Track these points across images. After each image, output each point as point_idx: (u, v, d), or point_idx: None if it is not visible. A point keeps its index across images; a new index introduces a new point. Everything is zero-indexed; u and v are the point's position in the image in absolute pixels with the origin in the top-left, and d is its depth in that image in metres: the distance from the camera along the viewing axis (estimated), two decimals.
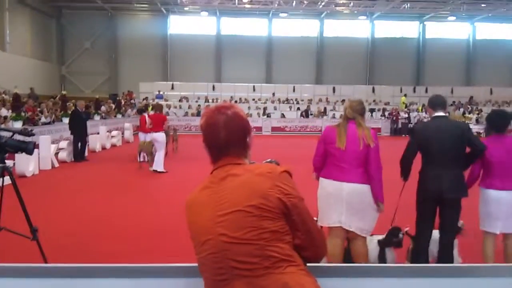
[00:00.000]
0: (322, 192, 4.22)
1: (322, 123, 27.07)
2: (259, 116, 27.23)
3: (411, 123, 25.28)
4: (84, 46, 33.52)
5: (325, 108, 28.98)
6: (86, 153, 13.96)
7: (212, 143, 1.83)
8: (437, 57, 34.07)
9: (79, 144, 13.40)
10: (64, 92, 20.12)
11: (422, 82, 34.00)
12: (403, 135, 24.32)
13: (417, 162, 4.39)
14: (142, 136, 13.12)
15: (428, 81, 33.71)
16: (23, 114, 14.13)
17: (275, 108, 28.91)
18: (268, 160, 3.71)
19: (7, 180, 3.89)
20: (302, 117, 27.90)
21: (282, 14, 33.09)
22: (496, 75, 33.77)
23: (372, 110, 27.55)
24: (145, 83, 30.84)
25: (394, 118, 26.70)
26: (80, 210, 7.44)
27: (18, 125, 12.76)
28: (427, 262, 4.33)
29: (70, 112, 15.04)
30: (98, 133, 16.58)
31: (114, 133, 18.24)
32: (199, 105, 28.21)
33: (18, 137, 4.08)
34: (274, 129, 26.62)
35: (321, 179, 4.26)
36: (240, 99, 29.99)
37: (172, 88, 31.18)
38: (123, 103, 26.13)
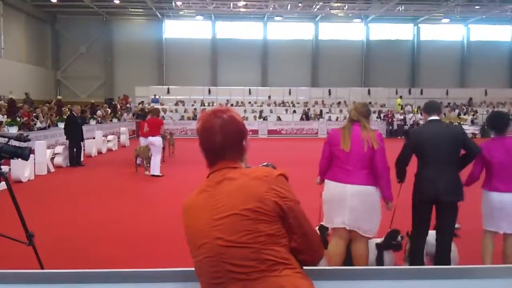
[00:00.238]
0: (327, 194, 4.24)
1: (318, 126, 27.15)
2: (255, 119, 27.25)
3: (407, 125, 25.36)
4: (79, 51, 33.46)
5: (321, 111, 29.03)
6: (82, 158, 13.92)
7: (208, 147, 1.83)
8: (431, 59, 34.22)
9: (75, 149, 13.35)
10: (59, 97, 19.98)
11: (417, 84, 34.14)
12: (399, 137, 24.39)
13: (413, 165, 4.41)
14: (142, 140, 12.96)
15: (423, 83, 33.86)
16: (18, 119, 14.06)
17: (271, 111, 28.93)
18: (265, 163, 3.72)
19: (3, 185, 3.88)
20: (302, 120, 27.95)
21: (277, 18, 33.15)
22: (491, 76, 33.95)
23: None
24: (141, 87, 30.81)
25: (390, 120, 26.78)
26: (77, 215, 7.42)
27: (13, 130, 12.70)
28: (423, 263, 4.33)
29: (65, 117, 14.99)
30: (94, 138, 16.54)
31: (110, 137, 18.21)
32: (195, 109, 28.19)
33: (13, 142, 4.06)
34: (270, 132, 26.65)
35: (326, 181, 4.28)
36: (236, 102, 30.00)
37: (168, 92, 31.17)
38: (118, 107, 26.08)
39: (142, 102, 28.73)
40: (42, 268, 3.85)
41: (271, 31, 34.44)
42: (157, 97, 29.98)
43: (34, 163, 11.26)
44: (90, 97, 30.70)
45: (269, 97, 31.00)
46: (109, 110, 23.80)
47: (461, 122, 26.78)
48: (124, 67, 33.57)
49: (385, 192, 4.11)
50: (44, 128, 14.93)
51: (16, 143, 4.13)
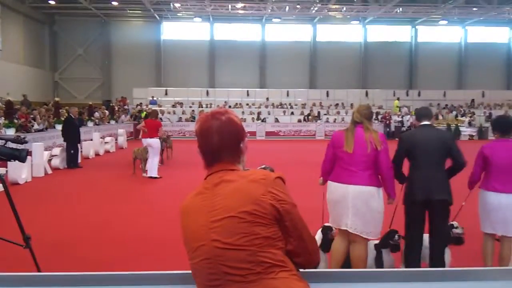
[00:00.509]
0: (330, 196, 4.31)
1: (316, 128, 27.17)
2: (253, 121, 27.25)
3: (404, 127, 25.39)
4: (77, 52, 33.45)
5: (318, 112, 29.06)
6: (79, 160, 13.90)
7: (205, 148, 1.84)
8: (429, 61, 34.31)
9: (72, 150, 13.33)
10: (57, 99, 20.00)
11: (415, 86, 34.21)
12: (396, 139, 24.42)
13: (406, 166, 4.46)
14: (145, 142, 12.82)
15: (421, 85, 33.95)
16: (16, 121, 14.06)
17: (269, 113, 28.95)
18: (263, 166, 3.73)
19: (0, 187, 3.86)
20: (305, 121, 27.98)
21: (275, 20, 33.17)
22: (488, 78, 34.06)
23: None
24: (139, 89, 30.79)
25: (388, 122, 26.80)
26: (74, 217, 7.40)
27: (10, 132, 12.69)
28: (419, 265, 4.34)
29: (63, 118, 14.98)
30: (91, 140, 16.52)
31: (107, 139, 18.18)
32: (193, 111, 28.19)
33: (10, 144, 4.05)
34: (268, 133, 26.66)
35: (329, 182, 4.33)
36: (234, 104, 30.01)
37: (166, 93, 31.16)
38: (116, 109, 26.07)
39: (141, 103, 28.70)
40: (39, 270, 3.84)
41: (269, 33, 34.48)
42: (155, 98, 29.97)
43: (32, 165, 11.24)
44: (88, 98, 30.71)
45: (267, 98, 31.01)
46: (107, 112, 23.80)
47: (459, 124, 26.84)
48: (122, 68, 33.56)
49: (388, 189, 4.23)
50: (42, 130, 14.93)
51: (13, 145, 4.13)
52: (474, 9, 29.52)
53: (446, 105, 30.64)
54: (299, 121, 28.10)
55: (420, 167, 4.27)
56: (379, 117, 27.81)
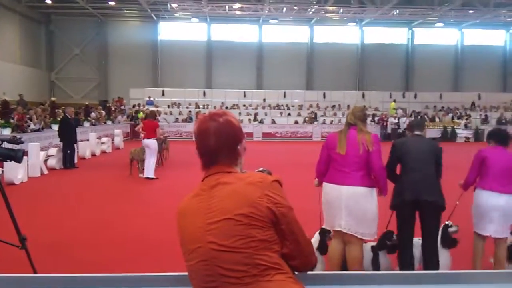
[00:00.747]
0: (324, 197, 4.36)
1: (313, 129, 27.20)
2: (250, 122, 27.25)
3: (400, 129, 25.43)
4: (73, 52, 33.34)
5: (315, 114, 29.09)
6: (76, 160, 13.86)
7: (203, 149, 1.84)
8: (425, 63, 34.40)
9: (69, 151, 13.30)
10: (53, 99, 19.98)
11: (411, 88, 34.30)
12: (393, 141, 24.43)
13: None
14: (143, 143, 12.73)
15: (417, 87, 34.05)
16: (12, 121, 14.01)
17: (265, 114, 28.95)
18: (260, 169, 3.74)
19: None
20: (304, 123, 28.01)
21: (272, 21, 33.21)
22: (484, 80, 34.17)
23: None
24: (136, 89, 30.71)
25: (385, 124, 26.84)
26: (70, 218, 7.39)
27: (6, 132, 12.64)
28: (413, 267, 4.36)
29: (59, 119, 14.93)
30: (87, 140, 16.48)
31: (104, 139, 18.15)
32: (189, 111, 28.15)
33: (6, 145, 4.04)
34: (265, 135, 26.66)
35: (324, 184, 4.38)
36: (231, 105, 29.99)
37: (163, 94, 31.08)
38: (113, 109, 26.02)
39: (139, 104, 28.63)
40: (35, 272, 3.83)
41: (266, 34, 34.49)
42: (151, 99, 29.92)
43: (28, 165, 11.20)
44: (84, 98, 30.62)
45: (264, 100, 31.02)
46: (103, 112, 23.74)
47: (455, 126, 26.92)
48: (118, 68, 33.48)
49: (381, 186, 4.29)
50: (38, 130, 14.87)
51: (9, 145, 4.12)
52: (471, 11, 29.63)
53: (443, 107, 30.73)
54: (296, 122, 28.13)
55: (411, 170, 4.38)
56: (376, 119, 27.86)
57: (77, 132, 14.12)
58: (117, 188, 10.37)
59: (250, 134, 25.66)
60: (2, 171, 9.96)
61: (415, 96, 32.06)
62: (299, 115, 29.08)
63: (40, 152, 12.12)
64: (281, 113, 29.38)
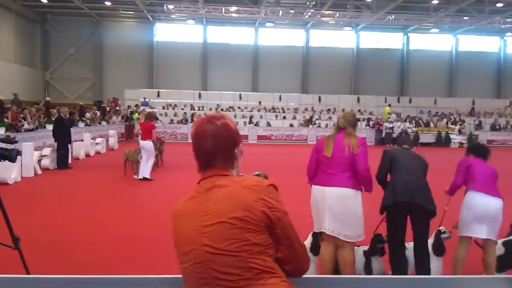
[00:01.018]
0: (311, 199, 4.40)
1: (308, 132, 27.25)
2: (245, 125, 27.25)
3: (394, 133, 25.52)
4: (68, 52, 33.23)
5: (310, 117, 29.14)
6: (70, 160, 13.80)
7: (199, 152, 1.85)
8: (420, 68, 34.59)
9: (63, 151, 13.24)
10: (48, 98, 19.91)
11: (406, 93, 34.46)
12: (387, 145, 24.55)
13: None
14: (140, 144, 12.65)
15: (412, 92, 34.21)
16: (6, 120, 13.93)
17: (261, 117, 28.97)
18: (257, 173, 3.74)
19: None
20: (301, 126, 28.04)
21: (269, 24, 33.28)
22: (478, 86, 34.41)
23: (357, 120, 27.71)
24: (131, 90, 30.63)
25: (380, 128, 26.91)
26: (63, 218, 7.35)
27: (0, 131, 12.58)
28: (406, 271, 4.37)
29: (54, 118, 14.87)
30: (82, 140, 16.42)
31: (98, 140, 18.08)
32: (185, 113, 28.13)
33: (0, 144, 4.03)
34: (260, 137, 26.67)
35: (312, 186, 4.43)
36: (227, 107, 29.98)
37: (158, 95, 31.03)
38: (108, 110, 25.93)
39: (137, 105, 28.50)
40: (28, 273, 3.81)
41: (262, 36, 34.56)
42: (147, 100, 29.86)
43: (21, 165, 11.13)
44: (79, 98, 30.52)
45: (260, 102, 31.05)
46: (98, 113, 23.67)
47: (449, 132, 27.06)
48: (114, 69, 33.40)
49: (366, 186, 4.32)
50: (32, 130, 14.80)
51: (3, 145, 4.10)
52: (466, 18, 29.84)
53: (437, 112, 30.88)
54: (291, 125, 28.17)
55: (403, 173, 4.41)
56: (371, 123, 27.95)
57: (71, 132, 14.06)
58: (111, 189, 10.33)
59: (245, 137, 25.66)
60: None
61: (410, 101, 32.22)
62: (294, 118, 29.13)
63: (34, 152, 12.05)
64: (276, 116, 29.41)
